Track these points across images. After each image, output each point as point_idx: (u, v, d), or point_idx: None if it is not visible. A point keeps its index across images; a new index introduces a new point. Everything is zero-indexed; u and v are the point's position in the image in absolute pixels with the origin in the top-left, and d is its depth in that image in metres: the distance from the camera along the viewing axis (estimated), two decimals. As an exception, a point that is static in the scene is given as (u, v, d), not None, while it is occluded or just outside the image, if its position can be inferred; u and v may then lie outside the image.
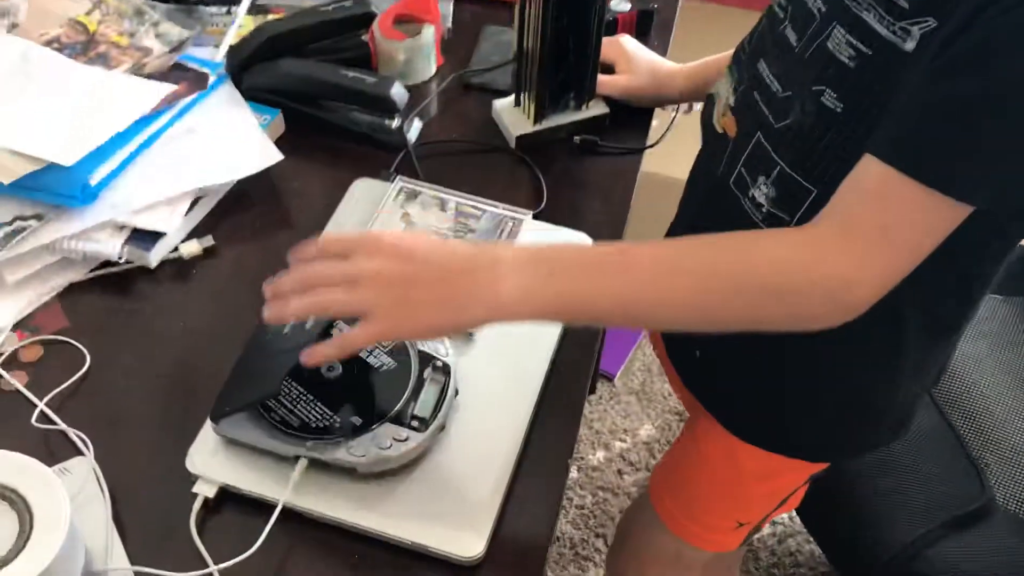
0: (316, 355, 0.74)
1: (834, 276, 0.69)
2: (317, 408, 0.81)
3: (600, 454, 1.94)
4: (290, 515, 0.80)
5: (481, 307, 0.71)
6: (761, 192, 0.81)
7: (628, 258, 0.73)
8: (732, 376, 0.95)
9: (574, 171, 1.11)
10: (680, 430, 1.93)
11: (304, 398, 0.82)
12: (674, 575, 1.19)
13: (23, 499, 0.70)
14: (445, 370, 0.85)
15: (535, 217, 1.01)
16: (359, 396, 0.82)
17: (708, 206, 0.93)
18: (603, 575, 1.69)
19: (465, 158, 1.14)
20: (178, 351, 0.93)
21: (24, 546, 0.68)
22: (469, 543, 0.79)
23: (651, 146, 1.15)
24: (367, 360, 0.84)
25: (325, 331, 0.85)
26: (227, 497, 0.82)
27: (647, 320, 0.82)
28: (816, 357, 0.86)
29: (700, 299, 0.71)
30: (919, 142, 0.65)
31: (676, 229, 1.04)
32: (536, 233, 1.00)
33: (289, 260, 0.76)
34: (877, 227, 0.67)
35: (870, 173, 0.68)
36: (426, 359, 0.85)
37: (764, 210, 0.81)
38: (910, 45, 0.67)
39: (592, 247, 0.76)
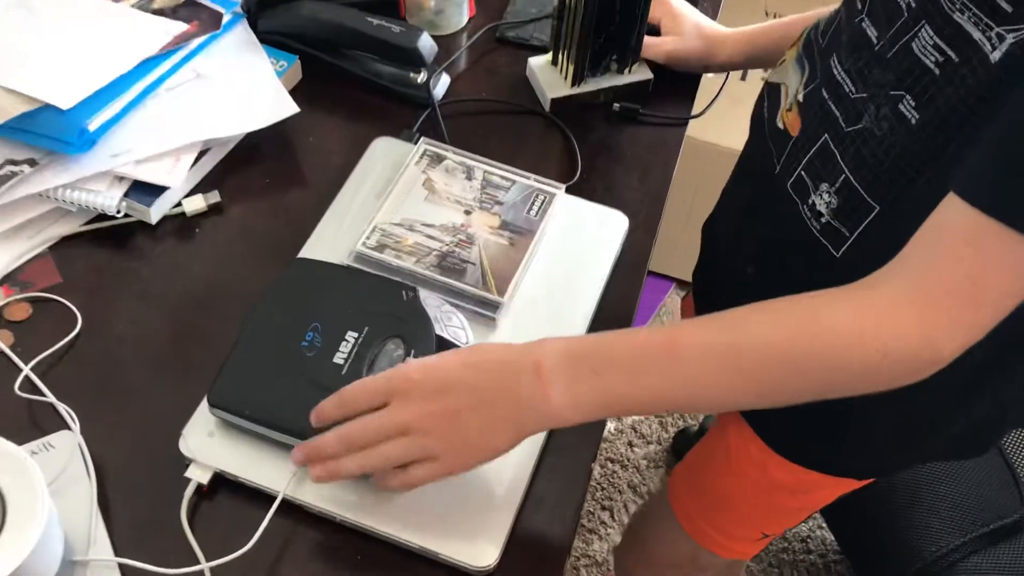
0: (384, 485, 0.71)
1: (913, 344, 0.60)
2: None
3: (611, 425, 1.88)
4: (288, 508, 0.74)
5: (535, 419, 0.68)
6: (823, 201, 0.73)
7: (675, 351, 0.66)
8: None
9: (612, 141, 1.03)
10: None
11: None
12: None
13: (-3, 486, 0.64)
14: (464, 358, 0.78)
15: (568, 191, 0.94)
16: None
17: (759, 207, 0.84)
18: (612, 566, 1.65)
19: (494, 119, 1.05)
20: (176, 318, 0.86)
21: (-5, 540, 0.62)
22: (482, 551, 0.72)
23: (696, 116, 1.06)
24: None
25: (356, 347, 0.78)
26: (221, 483, 0.76)
27: (701, 409, 0.77)
28: None
29: (755, 387, 0.65)
30: (1021, 186, 0.57)
31: (718, 225, 0.96)
32: (569, 210, 0.92)
33: (313, 422, 0.71)
34: (965, 281, 0.58)
35: (957, 219, 0.58)
36: (445, 345, 0.78)
37: (823, 220, 0.73)
38: (996, 55, 0.58)
39: (634, 334, 0.69)
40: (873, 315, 0.61)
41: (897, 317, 0.60)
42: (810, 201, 0.74)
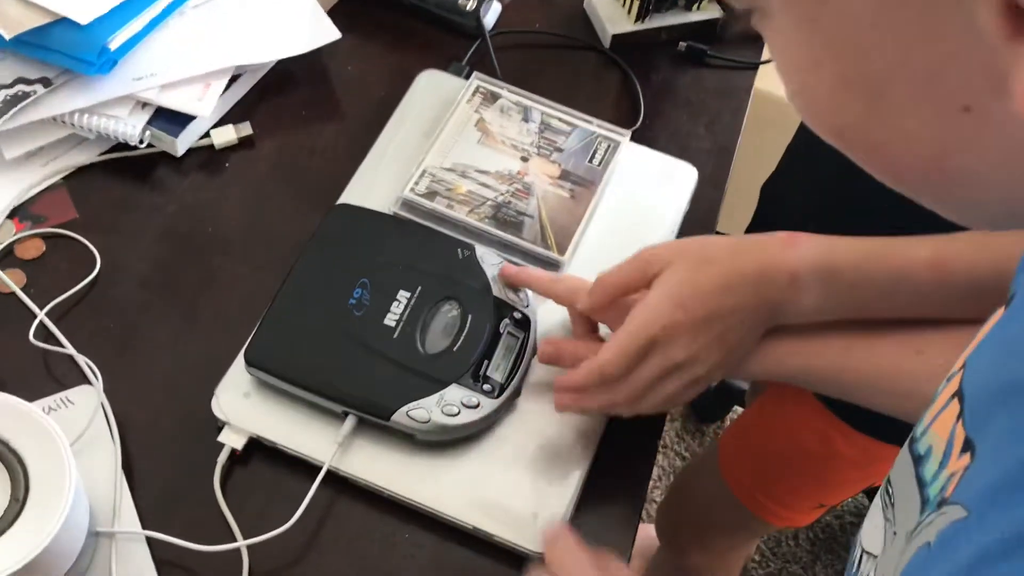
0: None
1: None
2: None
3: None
4: (328, 478, 0.67)
5: (783, 320, 0.65)
6: None
7: (941, 272, 0.60)
8: None
9: (677, 84, 0.94)
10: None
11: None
12: (736, 543, 1.10)
13: (16, 454, 0.57)
14: (524, 324, 0.72)
15: (630, 138, 0.86)
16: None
17: (830, 171, 0.77)
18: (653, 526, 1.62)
19: (547, 54, 0.97)
20: (204, 261, 0.78)
21: (19, 514, 0.55)
22: (539, 535, 0.67)
23: (767, 61, 0.98)
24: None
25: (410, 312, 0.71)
26: (256, 449, 0.69)
27: None
28: None
29: None
30: None
31: (779, 185, 0.88)
32: (634, 160, 0.85)
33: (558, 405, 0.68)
34: None
35: None
36: (504, 309, 0.71)
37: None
38: None
39: (893, 249, 0.63)
40: None
41: None
42: None
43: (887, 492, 0.46)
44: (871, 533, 0.47)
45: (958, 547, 0.33)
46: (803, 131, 0.87)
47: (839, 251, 0.63)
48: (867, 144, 0.33)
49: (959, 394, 0.40)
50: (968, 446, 0.37)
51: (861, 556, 0.48)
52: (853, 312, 0.64)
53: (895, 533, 0.43)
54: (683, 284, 0.64)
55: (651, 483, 1.65)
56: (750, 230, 0.99)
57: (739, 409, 1.71)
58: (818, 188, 0.89)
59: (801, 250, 0.63)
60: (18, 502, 0.55)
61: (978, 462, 0.36)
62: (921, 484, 0.42)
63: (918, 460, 0.42)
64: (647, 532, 1.49)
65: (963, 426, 0.39)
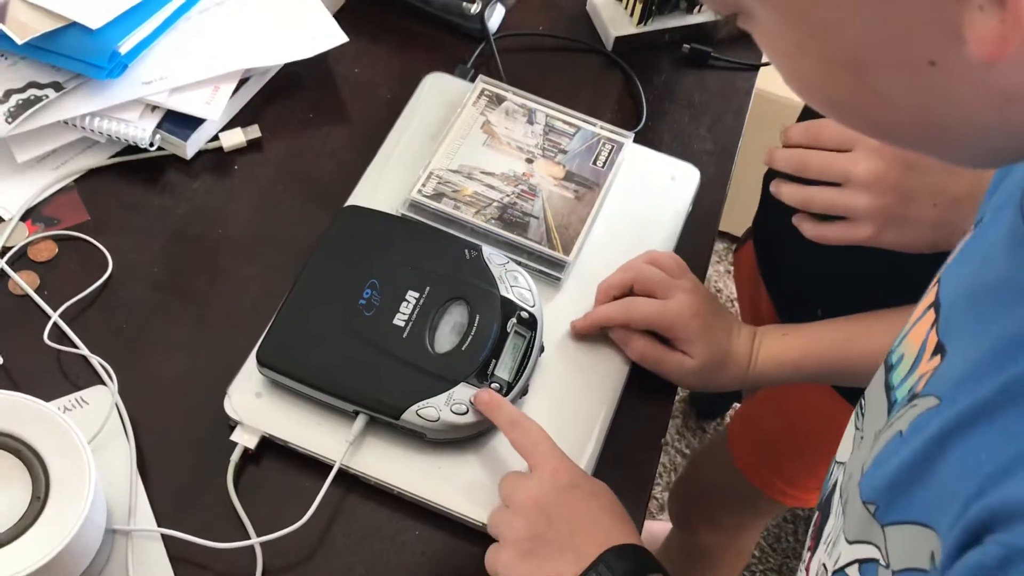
0: None
1: None
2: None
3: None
4: (339, 476, 0.68)
5: None
6: None
7: None
8: None
9: (679, 85, 0.95)
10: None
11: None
12: (746, 522, 1.13)
13: (36, 454, 0.58)
14: (531, 323, 0.73)
15: (634, 139, 0.87)
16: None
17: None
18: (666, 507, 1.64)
19: (550, 57, 0.98)
20: (215, 263, 0.79)
21: (39, 515, 0.56)
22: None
23: (768, 63, 0.99)
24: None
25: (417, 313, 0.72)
26: (268, 447, 0.70)
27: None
28: None
29: None
30: None
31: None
32: (638, 161, 0.86)
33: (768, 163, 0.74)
34: None
35: None
36: (511, 308, 0.72)
37: None
38: None
39: None
40: None
41: None
42: None
43: (860, 405, 0.50)
44: (843, 445, 0.51)
45: (928, 426, 0.38)
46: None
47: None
48: (860, 112, 0.37)
49: (935, 304, 0.45)
50: (939, 349, 0.42)
51: (833, 467, 0.51)
52: None
53: (862, 437, 0.47)
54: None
55: (675, 477, 1.67)
56: (758, 219, 1.00)
57: (738, 406, 1.73)
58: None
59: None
60: (39, 500, 0.56)
61: (949, 359, 0.41)
62: (888, 389, 0.46)
63: (889, 368, 0.47)
64: (650, 529, 1.50)
65: (936, 332, 0.43)
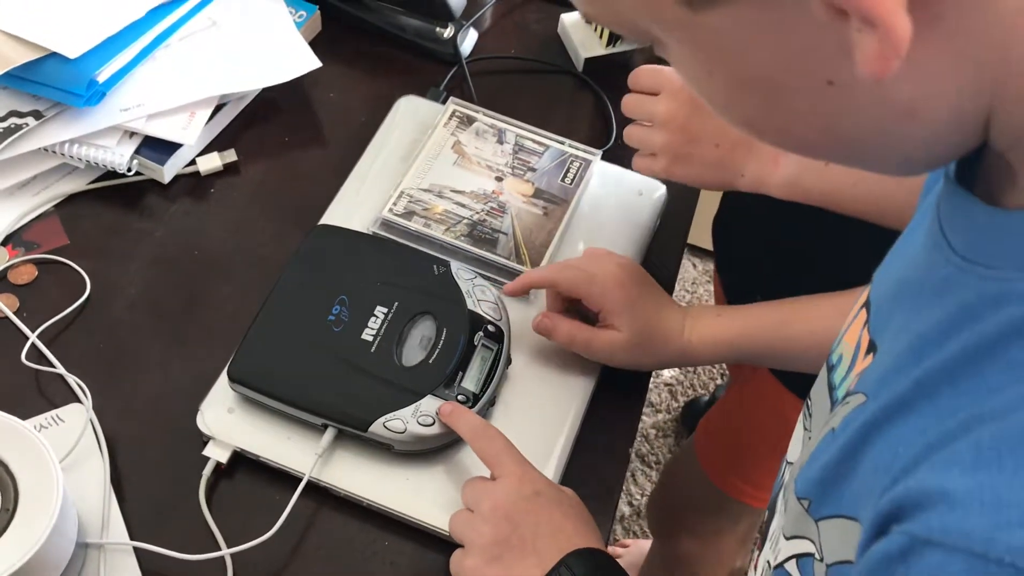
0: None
1: None
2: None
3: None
4: (311, 490, 0.70)
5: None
6: None
7: None
8: None
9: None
10: (704, 373, 1.84)
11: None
12: (722, 527, 1.14)
13: (6, 468, 0.60)
14: (498, 336, 0.74)
15: (602, 157, 0.89)
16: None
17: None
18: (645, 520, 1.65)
19: (523, 79, 1.00)
20: (191, 284, 0.81)
21: (7, 525, 0.58)
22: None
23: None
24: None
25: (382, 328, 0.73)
26: (241, 462, 0.72)
27: None
28: None
29: None
30: None
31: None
32: (605, 178, 0.88)
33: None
34: None
35: None
36: (478, 322, 0.74)
37: None
38: None
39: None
40: None
41: None
42: None
43: (807, 405, 0.52)
44: (793, 445, 0.52)
45: (855, 422, 0.39)
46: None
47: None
48: (772, 129, 0.38)
49: (867, 304, 0.46)
50: (872, 347, 0.43)
51: (783, 467, 0.53)
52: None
53: (810, 437, 0.48)
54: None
55: (644, 495, 1.67)
56: (716, 220, 1.02)
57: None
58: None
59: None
60: (7, 512, 0.58)
61: (877, 357, 0.42)
62: (831, 388, 0.47)
63: (831, 368, 0.48)
64: (640, 548, 1.51)
65: (868, 331, 0.44)
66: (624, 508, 1.70)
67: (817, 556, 0.42)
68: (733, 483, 1.07)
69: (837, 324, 0.65)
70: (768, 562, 0.50)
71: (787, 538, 0.46)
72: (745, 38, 0.33)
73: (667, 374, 1.88)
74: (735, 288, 0.98)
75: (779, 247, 0.87)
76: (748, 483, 1.05)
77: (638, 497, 1.70)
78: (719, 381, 1.84)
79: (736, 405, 1.08)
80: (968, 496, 0.30)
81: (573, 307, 0.77)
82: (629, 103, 0.78)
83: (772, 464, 0.99)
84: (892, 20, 0.29)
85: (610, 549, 0.86)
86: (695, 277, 1.93)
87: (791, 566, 0.45)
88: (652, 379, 1.84)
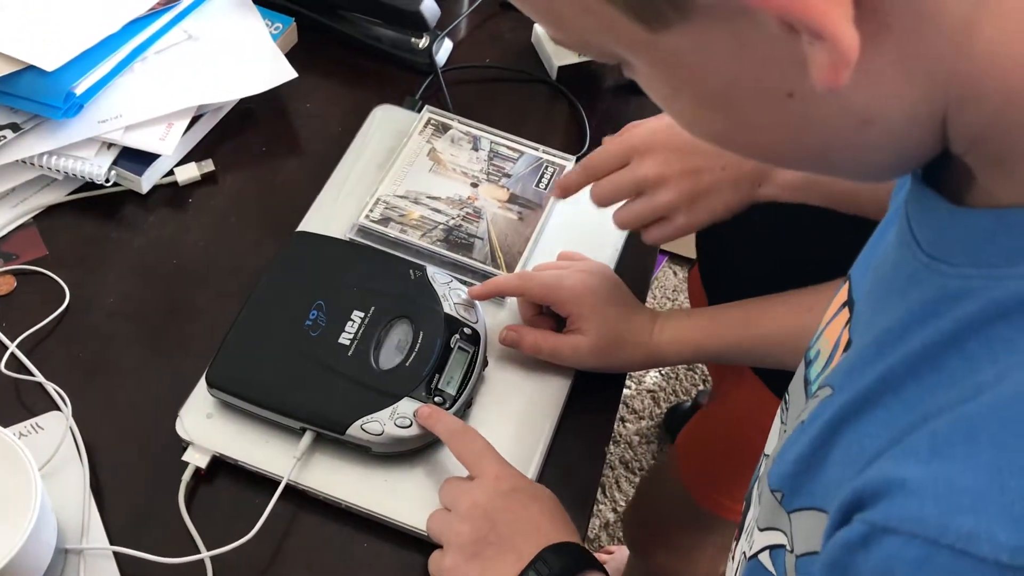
0: None
1: None
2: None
3: (603, 399, 1.86)
4: (290, 493, 0.70)
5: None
6: None
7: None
8: None
9: (621, 112, 0.99)
10: (686, 379, 1.85)
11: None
12: (699, 542, 1.14)
13: (-15, 473, 0.60)
14: (474, 338, 0.75)
15: (577, 162, 0.90)
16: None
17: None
18: (621, 528, 1.65)
19: (497, 87, 1.01)
20: (169, 292, 0.82)
21: (-15, 530, 0.58)
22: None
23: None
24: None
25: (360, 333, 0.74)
26: (220, 467, 0.72)
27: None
28: None
29: None
30: None
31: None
32: (579, 182, 0.89)
33: (558, 194, 0.78)
34: None
35: None
36: (454, 325, 0.75)
37: None
38: None
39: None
40: None
41: None
42: None
43: (785, 400, 0.52)
44: (770, 439, 0.53)
45: (823, 416, 0.40)
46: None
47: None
48: (740, 142, 0.39)
49: (849, 303, 0.47)
50: (849, 346, 0.44)
51: (761, 461, 0.54)
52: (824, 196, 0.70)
53: (786, 431, 0.49)
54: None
55: (627, 503, 1.68)
56: (697, 240, 1.03)
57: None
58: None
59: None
60: (-14, 517, 0.58)
61: (847, 352, 0.43)
62: (807, 383, 0.48)
63: (808, 364, 0.49)
64: (625, 554, 1.51)
65: (848, 330, 0.45)
66: (609, 515, 1.70)
67: (788, 548, 0.43)
68: (715, 499, 1.06)
69: (806, 320, 0.66)
70: (744, 553, 0.51)
71: (760, 530, 0.47)
72: (705, 55, 0.34)
73: (650, 381, 1.89)
74: (720, 294, 0.98)
75: (764, 252, 0.88)
76: (729, 498, 1.05)
77: (623, 503, 1.70)
78: (701, 387, 1.85)
79: (719, 420, 1.07)
80: (923, 485, 0.31)
81: (547, 311, 0.78)
82: (608, 191, 0.74)
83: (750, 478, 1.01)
84: (838, 32, 0.29)
85: (595, 555, 0.87)
86: (676, 285, 1.95)
87: (764, 557, 0.46)
88: (635, 386, 1.86)
